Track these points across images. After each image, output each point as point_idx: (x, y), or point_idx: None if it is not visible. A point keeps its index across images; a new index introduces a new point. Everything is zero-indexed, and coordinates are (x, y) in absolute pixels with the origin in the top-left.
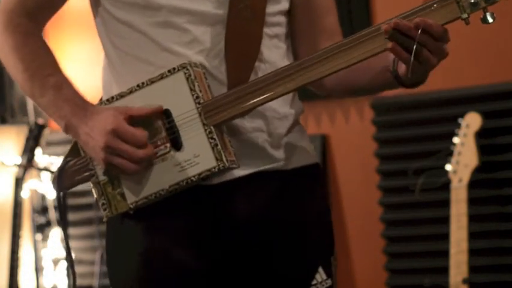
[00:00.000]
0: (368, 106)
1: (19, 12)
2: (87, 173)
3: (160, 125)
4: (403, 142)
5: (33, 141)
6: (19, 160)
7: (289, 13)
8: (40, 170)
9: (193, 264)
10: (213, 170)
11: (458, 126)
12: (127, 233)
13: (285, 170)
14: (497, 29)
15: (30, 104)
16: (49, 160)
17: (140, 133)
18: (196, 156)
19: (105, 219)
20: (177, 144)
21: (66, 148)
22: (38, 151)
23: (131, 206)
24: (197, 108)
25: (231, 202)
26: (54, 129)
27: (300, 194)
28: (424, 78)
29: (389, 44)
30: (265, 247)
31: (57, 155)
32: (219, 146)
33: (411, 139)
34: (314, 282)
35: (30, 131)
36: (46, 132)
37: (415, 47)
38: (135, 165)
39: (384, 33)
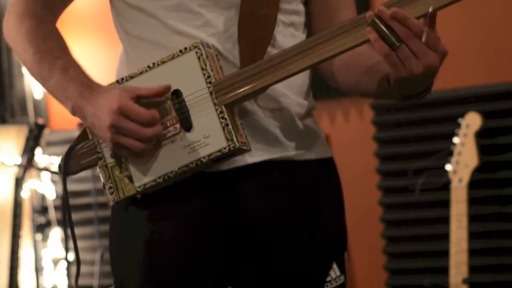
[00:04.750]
0: (368, 106)
1: (35, 0)
2: (94, 156)
3: (170, 106)
4: (403, 142)
5: (33, 141)
6: (19, 160)
7: (306, 4)
8: (40, 170)
9: (199, 254)
10: (224, 150)
11: (458, 126)
12: (132, 220)
13: (298, 160)
14: (498, 29)
15: (30, 104)
16: (49, 160)
17: (147, 112)
18: (207, 137)
19: (111, 204)
20: (187, 125)
21: (66, 148)
22: (38, 151)
23: (139, 189)
24: (208, 87)
25: (241, 191)
26: (54, 129)
27: (313, 187)
28: (414, 90)
29: (368, 28)
30: (277, 241)
31: (57, 155)
32: (230, 126)
33: (411, 139)
34: (328, 278)
35: (30, 131)
36: (46, 132)
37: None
38: (142, 144)
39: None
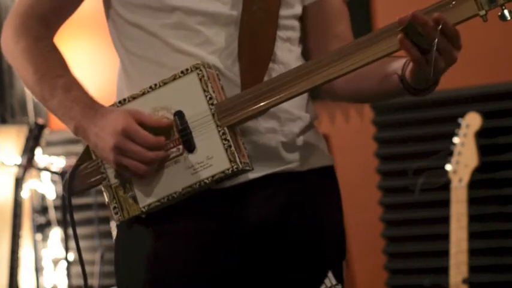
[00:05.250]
0: (368, 106)
1: (31, 15)
2: (98, 176)
3: (173, 127)
4: (403, 142)
5: (33, 141)
6: (19, 160)
7: (301, 19)
8: (40, 170)
9: (203, 270)
10: (227, 171)
11: (458, 126)
12: (136, 237)
13: (300, 171)
14: (498, 29)
15: (30, 104)
16: (49, 160)
17: (151, 135)
18: (210, 158)
19: (117, 223)
20: (190, 146)
21: (66, 148)
22: (38, 151)
23: (143, 210)
24: (210, 109)
25: (243, 206)
26: (54, 129)
27: (314, 197)
28: (430, 85)
29: (400, 36)
30: (276, 250)
31: (57, 155)
32: (233, 148)
33: (411, 139)
34: (323, 287)
35: (30, 131)
36: (46, 132)
37: (435, 42)
38: (145, 167)
39: (398, 23)
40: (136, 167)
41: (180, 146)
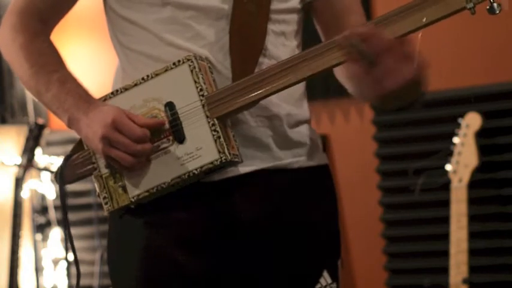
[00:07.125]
0: (368, 106)
1: (29, 13)
2: (89, 166)
3: (163, 118)
4: (403, 142)
5: (33, 141)
6: (19, 160)
7: (303, 10)
8: (40, 170)
9: (193, 263)
10: (215, 162)
11: (458, 126)
12: (127, 229)
13: (291, 169)
14: (498, 28)
15: (30, 104)
16: (49, 160)
17: (139, 128)
18: (199, 149)
19: (106, 213)
20: (180, 137)
21: (66, 148)
22: (38, 151)
23: (132, 200)
24: (200, 100)
25: (233, 200)
26: (54, 129)
27: (306, 195)
28: (395, 103)
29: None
30: (267, 248)
31: (57, 155)
32: (222, 139)
33: (411, 139)
34: (318, 286)
35: (30, 131)
36: (46, 132)
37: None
38: (132, 159)
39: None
40: (123, 158)
41: (170, 137)
